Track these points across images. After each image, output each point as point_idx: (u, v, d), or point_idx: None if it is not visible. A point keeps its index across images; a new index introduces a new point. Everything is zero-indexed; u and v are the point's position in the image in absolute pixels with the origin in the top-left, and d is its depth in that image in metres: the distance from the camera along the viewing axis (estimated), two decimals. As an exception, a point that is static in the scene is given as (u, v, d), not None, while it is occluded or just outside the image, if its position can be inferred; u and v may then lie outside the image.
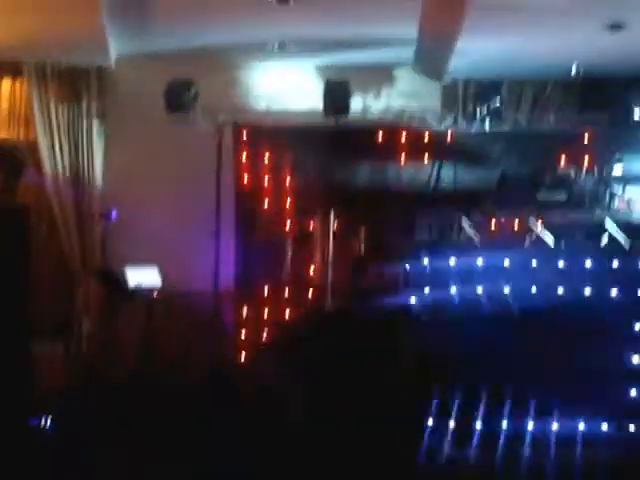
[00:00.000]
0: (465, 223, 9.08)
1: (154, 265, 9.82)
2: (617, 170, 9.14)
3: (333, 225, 9.76)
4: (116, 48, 9.78)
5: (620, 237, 9.04)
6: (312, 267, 10.19)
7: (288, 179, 10.35)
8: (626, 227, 9.08)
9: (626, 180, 9.12)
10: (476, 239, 9.07)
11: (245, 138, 10.43)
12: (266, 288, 10.36)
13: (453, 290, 8.36)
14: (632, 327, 8.29)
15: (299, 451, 7.93)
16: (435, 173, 10.21)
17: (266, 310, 10.38)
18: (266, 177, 10.43)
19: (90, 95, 10.35)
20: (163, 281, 9.84)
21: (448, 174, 10.19)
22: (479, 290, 8.33)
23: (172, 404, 9.00)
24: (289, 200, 10.37)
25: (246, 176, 10.47)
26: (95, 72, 10.33)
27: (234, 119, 10.31)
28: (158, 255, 9.92)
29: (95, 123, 10.39)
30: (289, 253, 10.25)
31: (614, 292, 8.35)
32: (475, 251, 8.82)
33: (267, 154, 10.36)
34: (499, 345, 8.04)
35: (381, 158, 10.24)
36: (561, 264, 8.43)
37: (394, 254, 9.08)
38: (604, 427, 8.01)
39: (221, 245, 10.26)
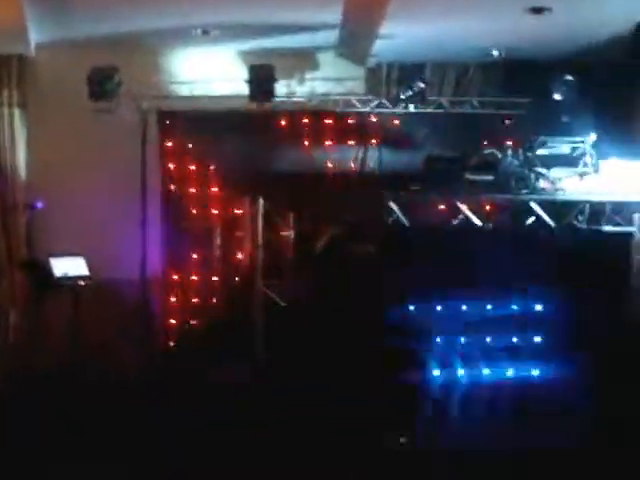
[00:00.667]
0: (393, 205, 9.12)
1: (81, 254, 9.74)
2: (541, 151, 9.26)
3: (261, 209, 9.73)
4: (37, 35, 9.64)
5: (546, 216, 9.22)
6: (241, 251, 10.17)
7: (214, 165, 10.29)
8: (551, 207, 9.27)
9: (550, 161, 9.24)
10: (404, 220, 9.14)
11: (170, 125, 10.34)
12: (194, 274, 10.34)
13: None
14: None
15: (233, 432, 7.97)
16: (361, 156, 10.26)
17: (194, 296, 10.37)
18: (192, 163, 10.37)
19: (11, 84, 10.19)
20: (90, 270, 9.77)
21: (374, 157, 10.25)
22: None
23: (101, 393, 8.97)
24: (216, 186, 10.32)
25: (172, 163, 10.40)
26: (16, 60, 10.16)
27: (158, 106, 10.23)
28: (85, 244, 9.84)
29: (17, 112, 10.23)
30: (217, 238, 10.20)
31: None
32: (403, 232, 8.99)
33: (192, 140, 10.28)
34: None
35: (307, 142, 10.25)
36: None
37: (323, 236, 9.18)
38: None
39: (148, 233, 10.20)
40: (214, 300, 10.31)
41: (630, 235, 9.63)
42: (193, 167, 10.37)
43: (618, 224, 9.53)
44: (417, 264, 8.90)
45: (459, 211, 9.25)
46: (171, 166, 10.39)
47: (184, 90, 10.45)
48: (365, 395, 8.22)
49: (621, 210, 9.49)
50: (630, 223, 9.59)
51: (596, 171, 9.25)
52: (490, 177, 9.14)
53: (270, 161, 10.15)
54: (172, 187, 10.38)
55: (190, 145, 10.27)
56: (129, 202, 10.11)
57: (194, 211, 10.34)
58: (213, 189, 10.32)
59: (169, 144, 10.37)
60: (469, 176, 9.16)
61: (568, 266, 9.35)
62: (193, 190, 10.35)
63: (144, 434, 8.08)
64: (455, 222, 9.36)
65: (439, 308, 9.36)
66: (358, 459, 7.50)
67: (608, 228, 9.48)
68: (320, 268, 9.34)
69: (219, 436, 8.01)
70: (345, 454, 7.58)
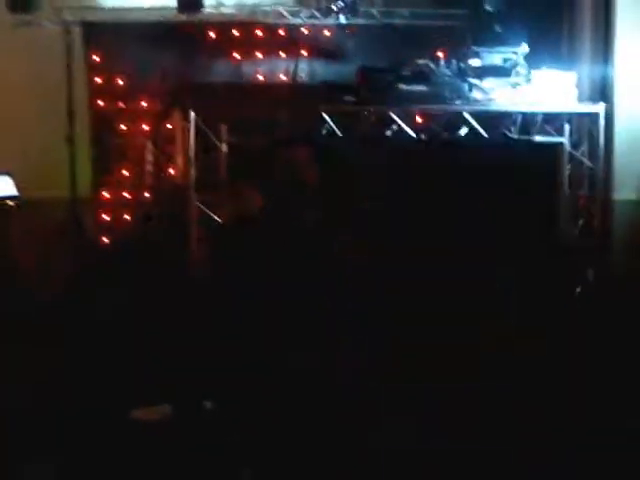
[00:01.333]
0: (326, 116, 9.05)
1: (8, 174, 9.53)
2: (474, 62, 9.23)
3: (192, 123, 9.55)
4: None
5: (478, 126, 9.23)
6: (172, 166, 10.03)
7: (142, 79, 10.07)
8: (484, 117, 9.28)
9: (483, 71, 9.22)
10: (338, 132, 9.09)
11: (95, 37, 10.08)
12: (125, 192, 10.19)
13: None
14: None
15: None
16: (292, 68, 10.14)
17: (125, 212, 10.23)
18: (119, 77, 10.14)
19: None
20: (18, 190, 9.57)
21: (306, 69, 10.14)
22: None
23: (31, 314, 8.87)
24: (145, 100, 10.12)
25: (98, 77, 10.15)
26: None
27: (83, 17, 9.95)
28: (12, 164, 9.60)
29: None
30: (148, 155, 10.03)
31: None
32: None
33: (118, 53, 10.04)
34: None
35: (237, 54, 10.09)
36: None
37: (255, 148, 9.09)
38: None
39: (77, 150, 10.01)
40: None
41: (561, 145, 9.72)
42: (121, 81, 10.16)
43: (549, 134, 9.60)
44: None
45: (393, 122, 9.23)
46: (98, 80, 10.15)
47: (110, 1, 10.15)
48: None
49: (552, 120, 9.55)
50: (561, 133, 9.68)
51: (528, 81, 9.25)
52: (423, 88, 9.08)
53: (200, 74, 9.99)
54: (100, 102, 10.15)
55: (117, 58, 10.03)
56: (56, 119, 9.89)
57: (123, 127, 10.15)
58: (142, 104, 10.13)
59: (95, 58, 10.12)
60: (402, 87, 9.09)
61: (500, 175, 9.48)
62: (122, 105, 10.14)
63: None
64: (388, 133, 9.33)
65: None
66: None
67: (539, 138, 9.55)
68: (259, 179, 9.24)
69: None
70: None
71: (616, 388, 7.77)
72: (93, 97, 10.14)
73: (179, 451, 6.54)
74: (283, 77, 10.19)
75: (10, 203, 9.51)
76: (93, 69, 10.13)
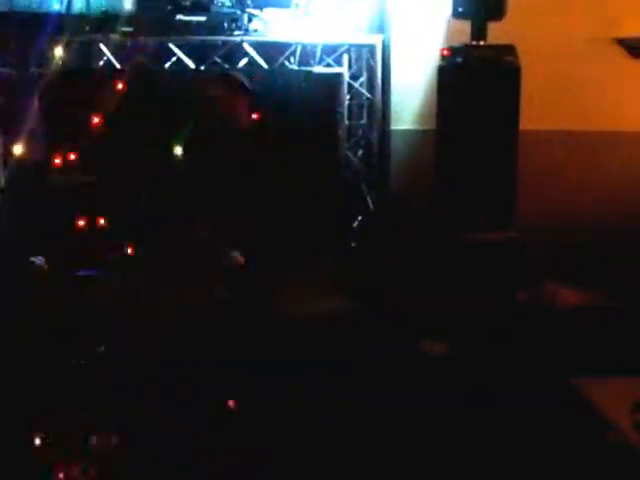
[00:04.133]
0: (104, 47, 8.81)
1: None
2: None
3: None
4: None
5: (258, 58, 9.20)
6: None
7: None
8: (264, 48, 9.24)
9: (263, 2, 9.15)
10: (115, 64, 8.89)
11: None
12: None
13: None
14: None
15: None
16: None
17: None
18: None
19: None
20: None
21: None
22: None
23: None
24: None
25: None
26: None
27: None
28: None
29: None
30: None
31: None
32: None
33: None
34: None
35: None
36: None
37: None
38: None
39: None
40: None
41: (340, 75, 9.81)
42: None
43: (329, 65, 9.66)
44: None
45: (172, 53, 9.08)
46: None
47: None
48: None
49: (332, 52, 9.61)
50: (339, 64, 9.76)
51: (308, 13, 9.28)
52: (202, 18, 8.97)
53: None
54: None
55: None
56: None
57: None
58: None
59: None
60: (181, 17, 8.93)
61: (280, 107, 9.52)
62: None
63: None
64: (167, 65, 9.19)
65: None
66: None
67: (319, 69, 9.60)
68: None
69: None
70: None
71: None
72: None
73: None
74: (57, 7, 9.72)
75: None
76: None
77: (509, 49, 8.44)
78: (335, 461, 6.27)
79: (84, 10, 9.57)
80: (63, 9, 9.50)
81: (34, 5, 9.55)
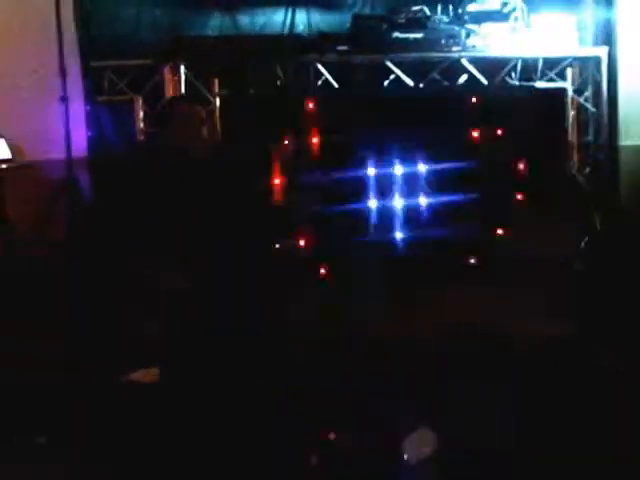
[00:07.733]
0: (321, 67, 8.88)
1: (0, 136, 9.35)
2: (471, 7, 9.00)
3: (183, 77, 9.30)
4: None
5: (478, 74, 9.01)
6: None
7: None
8: (483, 63, 9.04)
9: (481, 16, 8.98)
10: (333, 82, 8.92)
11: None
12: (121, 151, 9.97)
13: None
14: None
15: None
16: (289, 18, 9.88)
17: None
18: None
19: None
20: (12, 152, 9.37)
21: (302, 19, 9.88)
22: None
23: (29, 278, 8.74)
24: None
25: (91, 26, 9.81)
26: None
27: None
28: (3, 125, 9.39)
29: None
30: (140, 112, 9.78)
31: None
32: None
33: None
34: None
35: (230, 5, 9.82)
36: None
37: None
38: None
39: (71, 109, 9.77)
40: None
41: (564, 90, 9.49)
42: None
43: (551, 79, 9.36)
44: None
45: (390, 72, 9.02)
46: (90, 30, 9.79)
47: None
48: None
49: (554, 65, 9.31)
50: (563, 78, 9.44)
51: (528, 26, 9.03)
52: (419, 35, 8.87)
53: (191, 25, 9.72)
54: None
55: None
56: (48, 77, 9.65)
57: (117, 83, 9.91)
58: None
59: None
60: (398, 35, 8.87)
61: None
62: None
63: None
64: (386, 83, 9.15)
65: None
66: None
67: (541, 84, 9.31)
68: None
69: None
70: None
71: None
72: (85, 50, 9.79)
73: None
74: (279, 28, 9.91)
75: (3, 166, 9.30)
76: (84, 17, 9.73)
77: None
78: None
79: (306, 31, 9.78)
80: (286, 30, 9.73)
81: (257, 28, 9.85)
